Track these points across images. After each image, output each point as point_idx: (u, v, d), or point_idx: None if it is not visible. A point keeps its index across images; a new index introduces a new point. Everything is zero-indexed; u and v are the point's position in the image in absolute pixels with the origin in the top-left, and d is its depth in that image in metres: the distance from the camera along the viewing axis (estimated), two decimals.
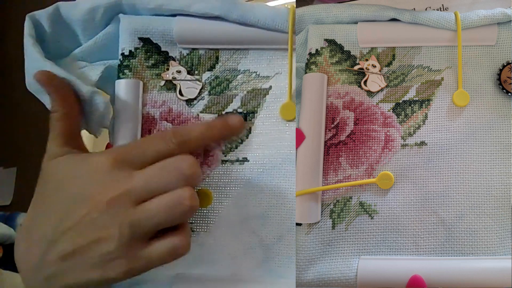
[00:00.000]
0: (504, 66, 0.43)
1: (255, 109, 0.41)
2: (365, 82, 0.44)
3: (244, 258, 0.39)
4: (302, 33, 0.46)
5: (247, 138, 0.40)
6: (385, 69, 0.44)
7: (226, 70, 0.41)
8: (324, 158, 0.42)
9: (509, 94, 0.42)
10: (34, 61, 0.38)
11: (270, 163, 0.40)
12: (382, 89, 0.44)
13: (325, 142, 0.43)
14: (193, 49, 0.41)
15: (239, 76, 0.41)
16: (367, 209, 0.42)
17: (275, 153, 0.40)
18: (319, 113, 0.43)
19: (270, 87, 0.41)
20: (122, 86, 0.40)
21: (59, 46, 0.42)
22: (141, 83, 0.41)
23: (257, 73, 0.41)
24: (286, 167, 0.40)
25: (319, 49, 0.44)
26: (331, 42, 0.44)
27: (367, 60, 0.44)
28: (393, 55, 0.44)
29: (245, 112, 0.41)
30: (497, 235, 0.40)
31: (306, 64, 0.44)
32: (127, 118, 0.40)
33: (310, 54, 0.44)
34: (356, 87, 0.44)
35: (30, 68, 0.38)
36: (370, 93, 0.44)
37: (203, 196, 0.40)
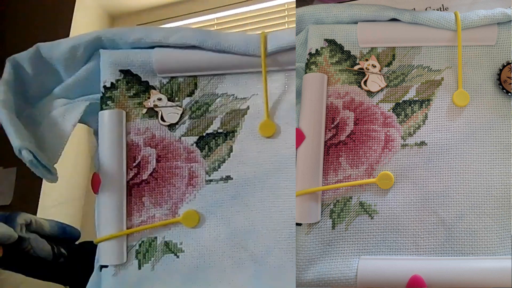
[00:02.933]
0: (504, 66, 0.43)
1: (235, 128, 0.42)
2: (365, 82, 0.44)
3: (235, 273, 0.40)
4: (302, 33, 0.46)
5: (229, 157, 0.42)
6: (385, 69, 0.44)
7: (205, 95, 0.43)
8: (324, 158, 0.42)
9: (509, 94, 0.42)
10: None
11: (253, 178, 0.41)
12: (382, 89, 0.44)
13: (325, 142, 0.43)
14: (172, 77, 0.43)
15: (218, 99, 0.43)
16: (367, 209, 0.42)
17: (258, 168, 0.41)
18: (319, 113, 0.43)
19: (248, 107, 0.42)
20: (106, 117, 0.42)
21: (42, 86, 0.44)
22: (124, 112, 0.42)
23: (235, 95, 0.43)
24: (270, 181, 0.41)
25: (319, 49, 0.44)
26: (331, 42, 0.45)
27: (367, 60, 0.44)
28: (393, 55, 0.44)
29: (225, 132, 0.42)
30: (497, 235, 0.40)
31: (306, 64, 0.44)
32: (112, 146, 0.41)
33: (310, 54, 0.44)
34: (356, 87, 0.44)
35: None
36: (370, 93, 0.44)
37: (191, 217, 0.41)
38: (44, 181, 1.14)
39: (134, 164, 0.42)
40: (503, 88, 0.42)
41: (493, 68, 0.43)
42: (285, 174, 0.41)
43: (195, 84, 0.43)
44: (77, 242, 0.83)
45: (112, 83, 0.42)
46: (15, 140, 0.38)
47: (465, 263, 0.39)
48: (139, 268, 0.41)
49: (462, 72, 0.43)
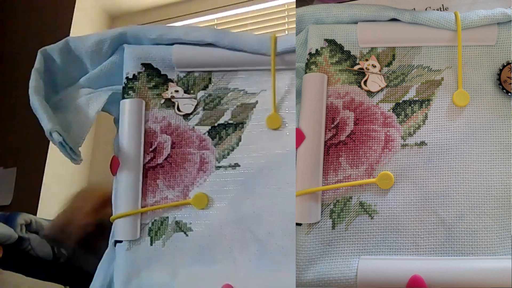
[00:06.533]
0: (504, 66, 0.43)
1: (244, 120, 0.46)
2: (365, 82, 0.44)
3: (239, 253, 0.43)
4: (302, 33, 0.46)
5: (238, 146, 0.45)
6: (385, 69, 0.44)
7: (218, 89, 0.47)
8: (324, 158, 0.42)
9: (509, 94, 0.42)
10: (30, 94, 0.44)
11: (259, 166, 0.44)
12: (382, 89, 0.44)
13: (325, 142, 0.43)
14: (189, 72, 0.47)
15: (230, 93, 0.46)
16: (367, 209, 0.42)
17: (263, 158, 0.44)
18: (319, 113, 0.43)
19: (257, 101, 0.46)
20: (127, 105, 0.46)
21: (69, 75, 0.48)
22: (143, 102, 0.46)
23: (245, 90, 0.46)
24: (274, 169, 0.44)
25: (319, 49, 0.44)
26: (331, 42, 0.45)
27: (367, 60, 0.44)
28: (393, 55, 0.44)
29: (235, 123, 0.45)
30: (497, 235, 0.40)
31: (306, 64, 0.44)
32: (131, 132, 0.45)
33: (310, 54, 0.44)
34: (356, 87, 0.44)
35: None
36: (370, 93, 0.44)
37: (200, 199, 0.44)
38: (44, 181, 1.14)
39: (151, 149, 0.46)
40: (503, 88, 0.42)
41: (493, 68, 0.43)
42: (289, 163, 0.43)
43: (210, 79, 0.47)
44: None
45: (134, 75, 0.46)
46: (47, 123, 0.42)
47: (465, 263, 0.39)
48: (151, 244, 0.44)
49: (462, 72, 0.43)
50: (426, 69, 0.44)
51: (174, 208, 0.44)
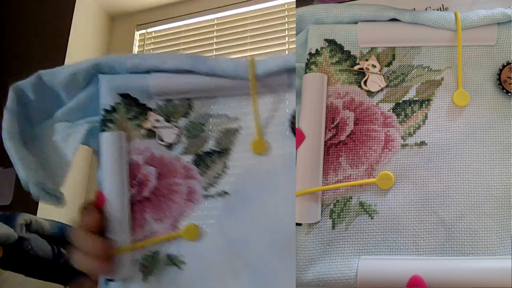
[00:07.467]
0: (504, 66, 0.43)
1: (229, 146, 0.44)
2: (365, 82, 0.44)
3: (233, 281, 0.41)
4: (302, 33, 0.46)
5: (225, 173, 0.44)
6: (385, 69, 0.44)
7: (200, 116, 0.45)
8: (324, 158, 0.42)
9: (509, 94, 0.42)
10: (4, 138, 0.43)
11: (247, 194, 0.43)
12: (382, 89, 0.44)
13: (325, 142, 0.43)
14: (168, 99, 0.45)
15: (212, 119, 0.45)
16: (367, 209, 0.42)
17: (251, 185, 0.43)
18: (319, 113, 0.43)
19: (240, 126, 0.44)
20: (106, 139, 0.44)
21: (44, 109, 0.46)
22: (124, 134, 0.44)
23: (227, 115, 0.45)
24: (261, 194, 0.42)
25: (319, 49, 0.44)
26: (331, 42, 0.45)
27: (367, 60, 0.44)
28: (393, 55, 0.44)
29: (219, 150, 0.44)
30: (497, 235, 0.40)
31: (306, 64, 0.44)
32: (113, 167, 0.43)
33: (310, 54, 0.44)
34: (356, 87, 0.44)
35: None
36: (370, 93, 0.44)
37: (191, 231, 0.43)
38: None
39: (135, 182, 0.44)
40: (503, 88, 0.42)
41: (493, 68, 0.43)
42: (274, 189, 0.42)
43: (190, 106, 0.45)
44: None
45: (112, 107, 0.44)
46: (22, 174, 0.41)
47: (465, 263, 0.39)
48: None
49: (462, 72, 0.43)
50: (426, 69, 0.44)
51: (165, 242, 0.43)
